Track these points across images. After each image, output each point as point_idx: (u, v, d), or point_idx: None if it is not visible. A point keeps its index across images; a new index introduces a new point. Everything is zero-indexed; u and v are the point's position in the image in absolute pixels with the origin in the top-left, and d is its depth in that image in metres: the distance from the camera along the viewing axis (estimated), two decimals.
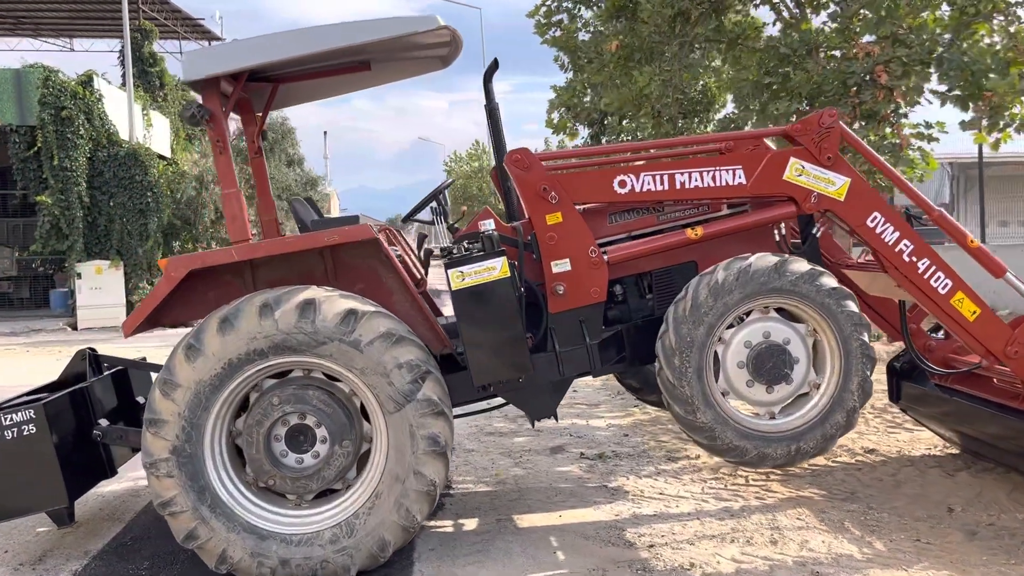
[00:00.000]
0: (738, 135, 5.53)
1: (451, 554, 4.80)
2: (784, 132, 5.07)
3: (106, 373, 5.40)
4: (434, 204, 5.40)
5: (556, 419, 5.09)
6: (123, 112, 20.16)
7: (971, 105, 8.66)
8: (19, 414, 4.48)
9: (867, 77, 9.28)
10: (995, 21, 9.07)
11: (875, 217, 4.96)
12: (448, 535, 5.15)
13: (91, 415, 4.91)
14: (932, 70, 8.81)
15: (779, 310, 4.71)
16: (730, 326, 4.66)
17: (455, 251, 4.65)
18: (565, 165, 5.29)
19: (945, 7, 9.49)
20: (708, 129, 14.23)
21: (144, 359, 6.07)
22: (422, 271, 4.97)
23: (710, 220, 5.12)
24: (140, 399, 5.55)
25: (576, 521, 5.38)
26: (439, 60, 5.63)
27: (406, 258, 5.30)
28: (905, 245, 4.96)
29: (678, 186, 4.88)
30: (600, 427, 8.04)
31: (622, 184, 4.87)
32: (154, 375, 5.89)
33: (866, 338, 4.62)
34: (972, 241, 5.04)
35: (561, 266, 4.80)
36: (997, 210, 32.85)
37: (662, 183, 4.88)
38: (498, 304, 4.50)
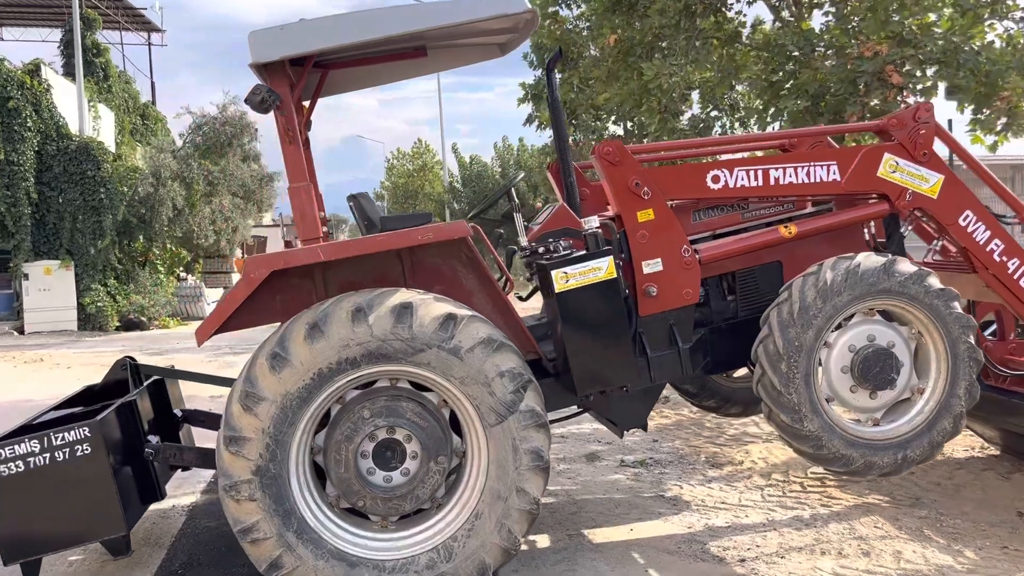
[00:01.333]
0: (804, 132, 5.34)
1: (540, 572, 4.49)
2: (877, 127, 4.89)
3: (146, 384, 4.91)
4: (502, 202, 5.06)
5: (646, 429, 4.81)
6: (71, 104, 19.15)
7: (985, 105, 8.67)
8: (71, 433, 4.00)
9: (877, 76, 9.23)
10: (1006, 21, 9.12)
11: (967, 216, 4.81)
12: (525, 553, 4.83)
13: (140, 431, 4.45)
14: (948, 70, 8.77)
15: (881, 312, 4.51)
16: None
17: (545, 250, 4.33)
18: (653, 158, 5.01)
19: (947, 8, 9.53)
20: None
21: (172, 366, 5.58)
22: (506, 271, 4.63)
23: (800, 218, 4.91)
24: (177, 412, 5.09)
25: (650, 535, 5.12)
26: (497, 48, 5.30)
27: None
28: (996, 244, 4.83)
29: (772, 182, 4.66)
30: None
31: (715, 179, 4.62)
32: (180, 384, 5.48)
33: (973, 340, 4.46)
34: None
35: (652, 266, 4.52)
36: None
37: (757, 179, 4.64)
38: (605, 307, 4.19)
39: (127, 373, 4.86)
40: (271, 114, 4.23)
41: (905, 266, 4.39)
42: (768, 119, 10.29)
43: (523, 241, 4.69)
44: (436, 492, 4.07)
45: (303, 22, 4.32)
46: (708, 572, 4.54)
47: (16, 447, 3.95)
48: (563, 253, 4.25)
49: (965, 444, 6.87)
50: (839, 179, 4.70)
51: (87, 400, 4.93)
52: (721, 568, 4.59)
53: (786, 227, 4.70)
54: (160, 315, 18.12)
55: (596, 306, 4.19)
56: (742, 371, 5.71)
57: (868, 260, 4.36)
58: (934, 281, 4.41)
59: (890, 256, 4.44)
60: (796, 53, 9.82)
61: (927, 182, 4.75)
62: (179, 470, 5.05)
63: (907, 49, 9.15)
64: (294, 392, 3.81)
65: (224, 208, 19.34)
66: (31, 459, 3.96)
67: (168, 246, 19.33)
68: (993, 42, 8.77)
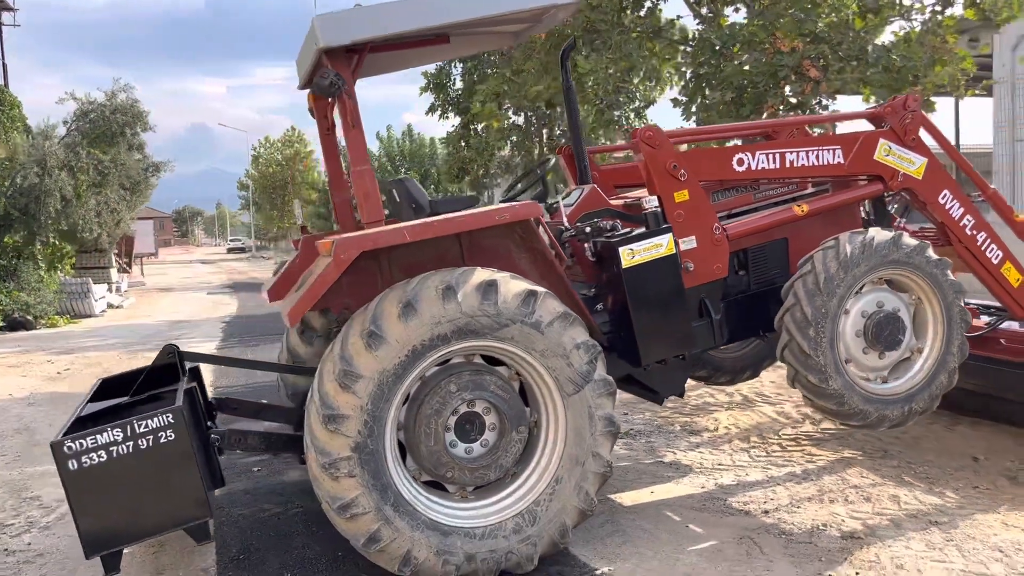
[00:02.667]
0: (788, 122, 5.81)
1: (590, 536, 4.75)
2: (873, 114, 5.40)
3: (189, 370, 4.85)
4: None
5: (682, 395, 5.15)
6: None
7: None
8: (155, 420, 3.94)
9: (795, 70, 9.97)
10: (903, 21, 10.03)
11: (945, 194, 5.40)
12: None
13: (204, 418, 4.41)
14: (862, 66, 9.58)
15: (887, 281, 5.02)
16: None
17: (599, 229, 4.58)
18: (681, 142, 5.33)
19: (851, 8, 10.39)
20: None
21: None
22: (560, 249, 4.83)
23: (807, 197, 5.36)
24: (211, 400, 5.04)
25: (671, 496, 5.48)
26: (512, 36, 5.49)
27: None
28: (968, 220, 5.45)
29: (788, 164, 5.08)
30: None
31: (740, 162, 5.00)
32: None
33: (963, 303, 5.03)
34: (1018, 216, 5.61)
35: (688, 243, 4.86)
36: None
37: (774, 161, 5.05)
38: (667, 280, 4.49)
39: (176, 360, 4.78)
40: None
41: (909, 239, 4.92)
42: (693, 110, 10.87)
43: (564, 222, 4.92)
44: (515, 461, 4.26)
45: (378, 7, 4.39)
46: (742, 523, 4.93)
47: (98, 436, 3.86)
48: (624, 231, 4.52)
49: None
50: (843, 162, 5.18)
51: (112, 392, 4.82)
52: (751, 519, 4.99)
53: (799, 206, 5.14)
54: (47, 313, 17.11)
55: (659, 280, 4.49)
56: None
57: (880, 235, 4.85)
58: (932, 252, 4.96)
59: (897, 231, 4.95)
60: (719, 47, 10.44)
61: (914, 164, 5.30)
62: None
63: (822, 46, 9.92)
64: (390, 369, 3.91)
65: (111, 200, 18.40)
66: (114, 448, 3.88)
67: (52, 240, 18.23)
68: (901, 40, 9.65)
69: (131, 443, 3.88)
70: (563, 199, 5.20)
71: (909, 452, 6.26)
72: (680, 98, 11.28)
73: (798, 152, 5.10)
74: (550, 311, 4.14)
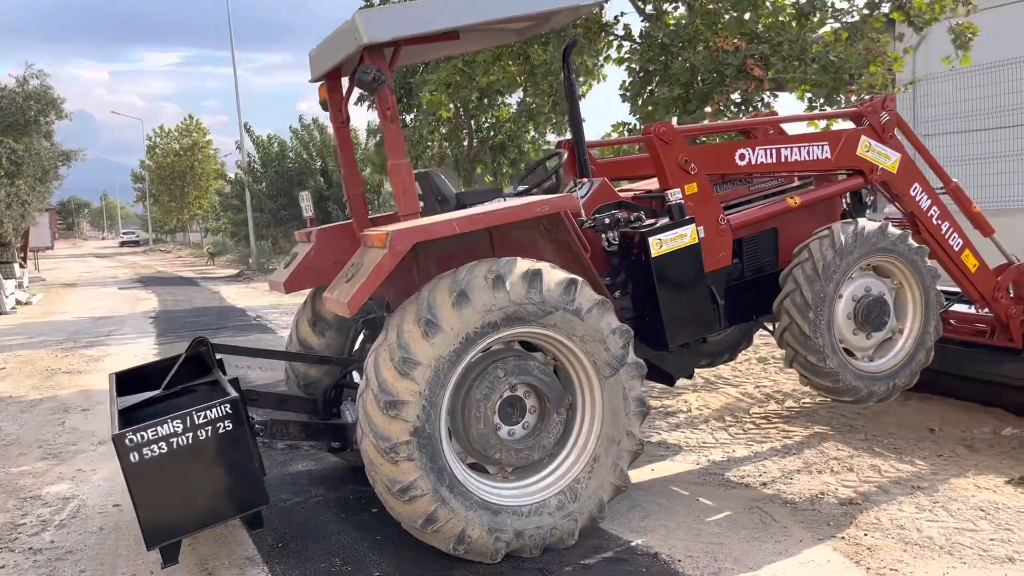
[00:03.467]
0: (764, 120, 6.17)
1: (613, 512, 4.97)
2: (855, 113, 5.81)
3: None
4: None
5: (691, 378, 5.45)
6: None
7: (836, 97, 10.12)
8: (213, 410, 3.97)
9: (740, 69, 10.44)
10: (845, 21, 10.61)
11: (916, 187, 5.87)
12: None
13: (246, 407, 4.45)
14: (802, 65, 10.11)
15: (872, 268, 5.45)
16: None
17: (606, 221, 4.83)
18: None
19: (788, 10, 10.94)
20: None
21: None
22: (584, 240, 5.03)
23: (792, 191, 5.73)
24: None
25: (673, 473, 5.79)
26: (515, 33, 5.67)
27: None
28: (934, 211, 5.94)
29: (782, 159, 5.44)
30: None
31: (741, 157, 5.33)
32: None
33: (937, 287, 5.51)
34: (975, 207, 6.14)
35: (697, 234, 5.15)
36: None
37: (771, 156, 5.41)
38: (691, 268, 4.77)
39: (210, 351, 4.78)
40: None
41: (893, 229, 5.35)
42: (640, 105, 11.22)
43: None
44: (555, 442, 4.47)
45: (418, 4, 4.50)
46: (746, 495, 5.28)
47: (159, 428, 3.87)
48: (648, 222, 4.77)
49: None
50: (830, 157, 5.58)
51: (138, 384, 4.80)
52: (754, 491, 5.34)
53: (792, 198, 5.51)
54: None
55: (684, 268, 4.77)
56: None
57: (869, 224, 5.27)
58: (913, 240, 5.41)
59: (884, 221, 5.38)
60: (667, 44, 10.82)
61: (890, 159, 5.75)
62: None
63: (763, 46, 10.42)
64: (446, 356, 4.06)
65: (21, 191, 17.58)
66: (174, 439, 3.90)
67: None
68: (836, 40, 10.21)
69: (190, 434, 3.91)
70: (574, 191, 5.41)
71: (872, 426, 6.75)
72: (627, 92, 11.62)
73: (792, 148, 5.46)
74: (588, 298, 4.36)
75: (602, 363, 4.40)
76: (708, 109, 11.04)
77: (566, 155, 5.53)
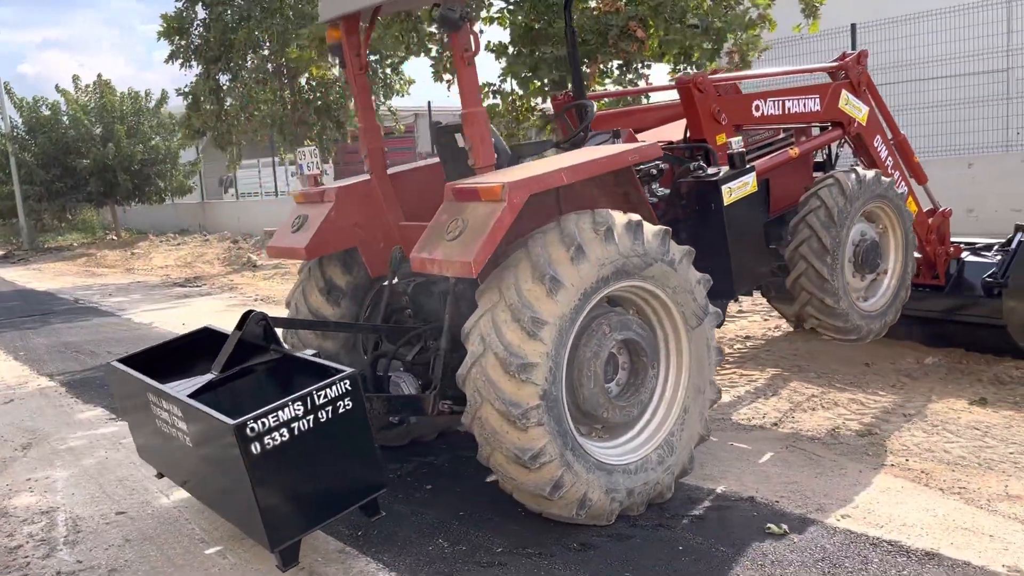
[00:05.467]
0: (796, 70, 6.37)
1: None
2: (838, 67, 6.10)
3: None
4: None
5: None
6: None
7: (717, 58, 10.61)
8: (333, 389, 3.50)
9: (623, 30, 10.68)
10: None
11: (877, 139, 6.30)
12: None
13: None
14: (684, 27, 10.49)
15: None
16: None
17: (648, 172, 4.79)
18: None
19: None
20: None
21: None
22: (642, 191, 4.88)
23: (780, 144, 5.94)
24: None
25: None
26: None
27: None
28: (889, 161, 6.41)
29: (786, 110, 5.63)
30: None
31: (756, 108, 5.46)
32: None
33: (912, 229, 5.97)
34: (915, 157, 6.69)
35: None
36: None
37: (778, 108, 5.57)
38: (755, 215, 4.81)
39: (272, 327, 4.19)
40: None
41: (884, 177, 5.71)
42: (528, 63, 11.16)
43: None
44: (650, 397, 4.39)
45: None
46: (770, 436, 5.47)
47: (280, 413, 3.35)
48: (714, 170, 4.75)
49: (772, 325, 8.65)
50: (819, 109, 5.84)
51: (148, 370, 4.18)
52: (773, 432, 5.55)
53: (792, 149, 5.72)
54: None
55: (750, 216, 4.81)
56: None
57: (868, 172, 5.58)
58: (897, 187, 5.81)
59: (876, 170, 5.72)
60: (553, 4, 10.83)
61: (861, 112, 6.12)
62: None
63: (643, 7, 10.71)
64: (567, 314, 3.85)
65: None
66: (295, 424, 3.40)
67: None
68: (716, 3, 10.68)
69: (311, 417, 3.45)
70: (607, 143, 5.27)
71: (815, 364, 7.22)
72: (500, 51, 11.51)
73: (793, 100, 5.66)
74: (679, 249, 4.31)
75: (690, 313, 4.37)
76: (588, 71, 11.18)
77: (595, 107, 5.38)
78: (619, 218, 4.07)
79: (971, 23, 13.44)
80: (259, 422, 3.30)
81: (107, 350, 9.53)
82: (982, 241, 7.25)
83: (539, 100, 12.17)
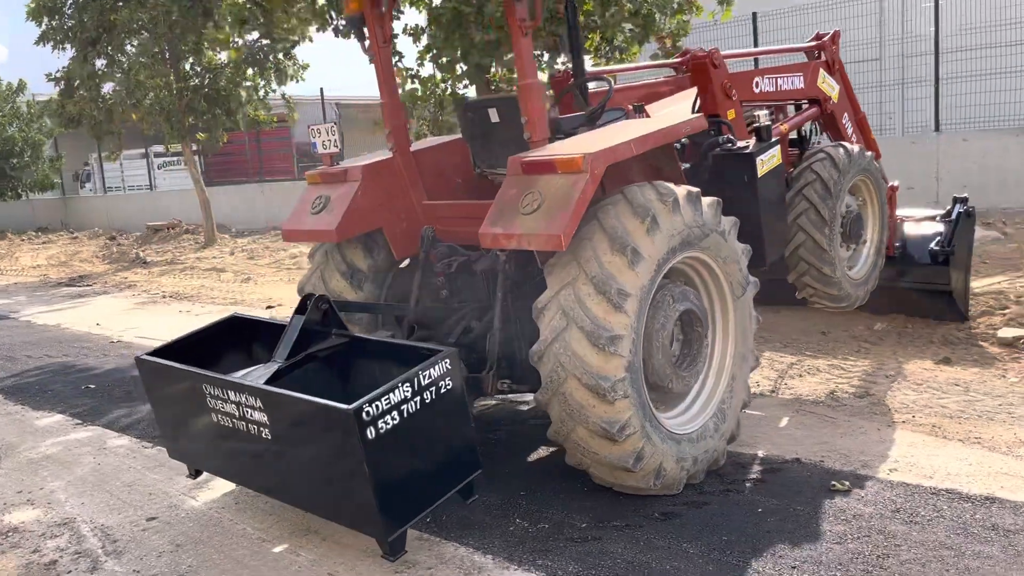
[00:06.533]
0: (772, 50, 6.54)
1: None
2: (815, 47, 6.33)
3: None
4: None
5: None
6: None
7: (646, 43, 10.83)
8: (436, 368, 3.36)
9: (554, 12, 10.72)
10: None
11: (845, 116, 6.61)
12: None
13: None
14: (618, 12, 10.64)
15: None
16: None
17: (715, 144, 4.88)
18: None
19: None
20: None
21: None
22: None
23: (777, 119, 6.14)
24: None
25: None
26: None
27: None
28: (854, 137, 6.74)
29: (778, 87, 5.82)
30: None
31: (756, 85, 5.62)
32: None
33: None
34: (872, 134, 7.07)
35: None
36: (364, 144, 37.58)
37: (772, 85, 5.76)
38: (780, 186, 4.94)
39: (327, 309, 3.96)
40: None
41: (865, 151, 6.00)
42: (462, 46, 11.01)
43: None
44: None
45: None
46: (775, 403, 5.66)
47: (391, 395, 3.19)
48: (743, 143, 4.85)
49: None
50: (803, 87, 6.07)
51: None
52: (775, 399, 5.75)
53: (783, 125, 5.91)
54: None
55: (777, 187, 4.93)
56: None
57: (853, 147, 5.85)
58: (875, 161, 6.12)
59: (859, 144, 6.00)
60: None
61: (834, 89, 6.41)
62: None
63: None
64: (646, 284, 3.86)
65: None
66: (404, 407, 3.24)
67: None
68: None
69: (418, 398, 3.31)
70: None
71: (777, 335, 7.51)
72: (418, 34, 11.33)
73: (784, 78, 5.86)
74: (727, 220, 4.39)
75: (736, 283, 4.46)
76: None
77: (614, 83, 5.37)
78: (679, 190, 4.11)
79: (844, 16, 14.29)
80: (373, 406, 3.14)
81: (25, 354, 8.79)
82: (919, 213, 7.74)
83: (464, 85, 12.07)
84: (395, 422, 3.22)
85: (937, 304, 7.21)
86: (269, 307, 10.91)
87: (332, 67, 27.49)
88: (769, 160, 4.96)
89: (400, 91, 12.56)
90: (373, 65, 4.70)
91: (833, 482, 4.19)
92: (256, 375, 3.68)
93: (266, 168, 26.29)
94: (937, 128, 13.07)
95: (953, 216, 7.03)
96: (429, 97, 12.33)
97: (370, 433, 3.13)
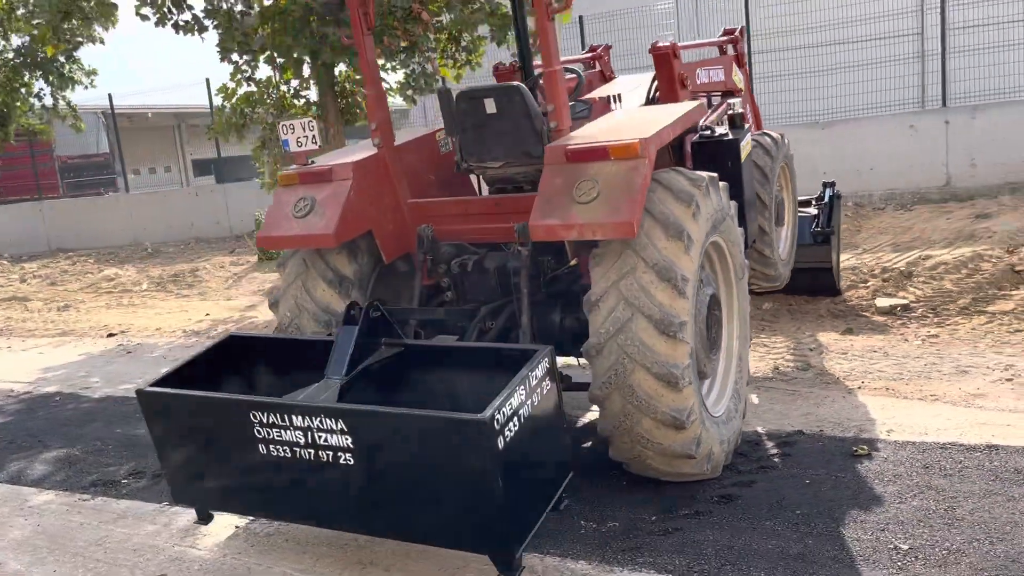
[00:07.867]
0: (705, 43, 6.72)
1: None
2: (727, 42, 6.60)
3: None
4: None
5: None
6: None
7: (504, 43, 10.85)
8: (540, 367, 3.13)
9: (408, 12, 10.53)
10: None
11: (747, 108, 6.99)
12: None
13: None
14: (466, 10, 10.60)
15: None
16: None
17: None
18: None
19: None
20: None
21: None
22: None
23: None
24: None
25: None
26: None
27: None
28: (754, 130, 7.14)
29: (711, 79, 6.04)
30: None
31: (697, 77, 5.78)
32: None
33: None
34: (761, 126, 7.53)
35: None
36: (149, 157, 35.08)
37: (707, 76, 5.96)
38: (752, 172, 5.07)
39: (379, 316, 3.55)
40: None
41: (785, 140, 6.37)
42: (305, 46, 10.49)
43: None
44: None
45: None
46: (767, 386, 5.78)
47: (511, 400, 2.93)
48: (723, 130, 4.95)
49: None
50: (724, 79, 6.34)
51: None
52: (766, 382, 5.89)
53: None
54: None
55: (751, 170, 5.06)
56: None
57: (778, 136, 6.19)
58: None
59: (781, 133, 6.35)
60: None
61: (740, 81, 6.75)
62: None
63: None
64: (696, 268, 3.85)
65: None
66: (521, 411, 2.99)
67: None
68: None
69: (530, 401, 3.08)
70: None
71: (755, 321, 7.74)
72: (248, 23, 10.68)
73: (715, 70, 6.09)
74: (734, 205, 4.48)
75: (738, 266, 4.57)
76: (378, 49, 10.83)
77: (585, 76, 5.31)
78: (704, 174, 4.14)
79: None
80: (501, 412, 2.89)
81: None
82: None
83: (304, 86, 11.56)
84: (516, 428, 2.98)
85: (818, 280, 7.76)
86: (111, 335, 9.83)
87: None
88: (746, 146, 5.13)
89: (225, 101, 11.89)
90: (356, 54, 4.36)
91: (854, 448, 4.40)
92: (319, 396, 3.27)
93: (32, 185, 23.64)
94: None
95: (826, 199, 7.63)
96: (265, 100, 11.69)
97: (500, 442, 2.88)
